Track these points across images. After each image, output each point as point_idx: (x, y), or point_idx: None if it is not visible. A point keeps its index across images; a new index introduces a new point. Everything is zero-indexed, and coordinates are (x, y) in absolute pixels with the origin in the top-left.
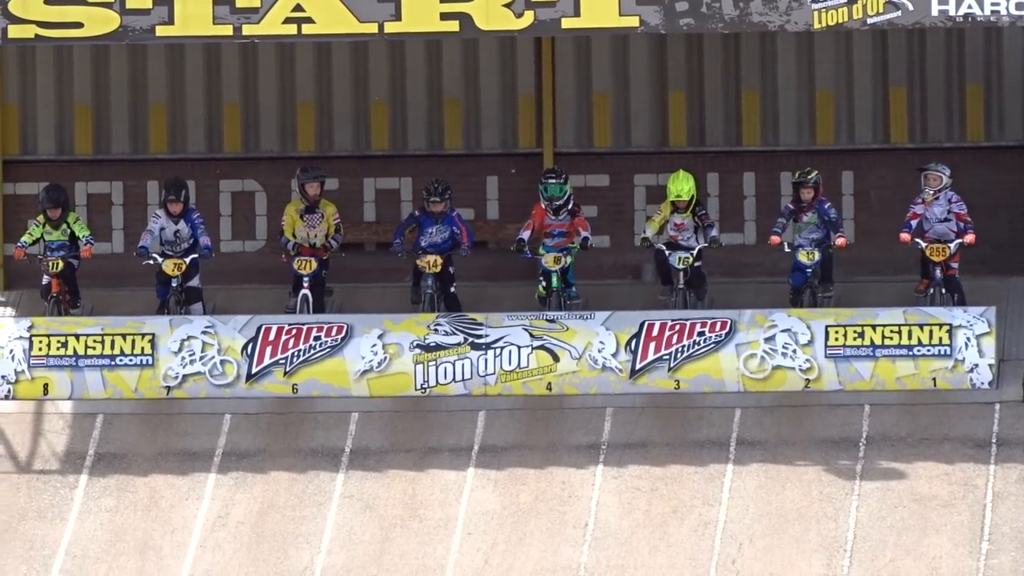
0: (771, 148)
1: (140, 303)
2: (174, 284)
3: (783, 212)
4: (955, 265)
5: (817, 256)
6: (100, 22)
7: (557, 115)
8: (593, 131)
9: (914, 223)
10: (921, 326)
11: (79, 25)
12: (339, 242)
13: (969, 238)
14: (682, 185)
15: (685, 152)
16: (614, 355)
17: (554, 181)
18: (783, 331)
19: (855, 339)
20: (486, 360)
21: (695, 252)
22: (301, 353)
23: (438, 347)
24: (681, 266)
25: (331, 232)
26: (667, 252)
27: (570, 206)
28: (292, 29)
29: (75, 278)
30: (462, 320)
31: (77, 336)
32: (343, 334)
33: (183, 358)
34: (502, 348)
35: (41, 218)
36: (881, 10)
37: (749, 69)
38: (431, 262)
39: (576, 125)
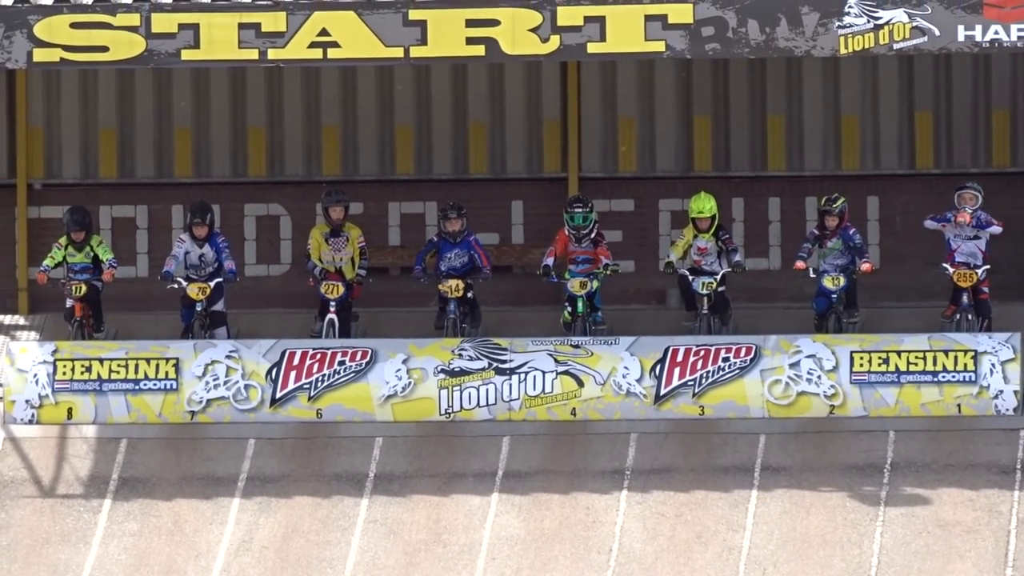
0: (796, 173)
1: (164, 327)
2: (199, 308)
3: (808, 237)
4: (986, 290)
5: (842, 282)
6: (125, 46)
7: (583, 140)
8: (618, 156)
9: (942, 221)
10: (946, 352)
11: (104, 49)
12: (366, 268)
13: (995, 229)
14: (703, 204)
15: (710, 177)
16: (639, 381)
17: (580, 210)
18: (808, 357)
19: (880, 365)
20: (510, 385)
21: (719, 277)
22: (325, 378)
23: (463, 372)
24: (704, 291)
25: (356, 256)
26: (690, 278)
27: (593, 235)
28: (318, 53)
29: (99, 302)
30: (486, 345)
31: (101, 360)
32: (367, 359)
33: (207, 383)
34: (527, 373)
35: (63, 240)
36: (907, 35)
37: (775, 94)
38: (453, 287)
39: (601, 150)
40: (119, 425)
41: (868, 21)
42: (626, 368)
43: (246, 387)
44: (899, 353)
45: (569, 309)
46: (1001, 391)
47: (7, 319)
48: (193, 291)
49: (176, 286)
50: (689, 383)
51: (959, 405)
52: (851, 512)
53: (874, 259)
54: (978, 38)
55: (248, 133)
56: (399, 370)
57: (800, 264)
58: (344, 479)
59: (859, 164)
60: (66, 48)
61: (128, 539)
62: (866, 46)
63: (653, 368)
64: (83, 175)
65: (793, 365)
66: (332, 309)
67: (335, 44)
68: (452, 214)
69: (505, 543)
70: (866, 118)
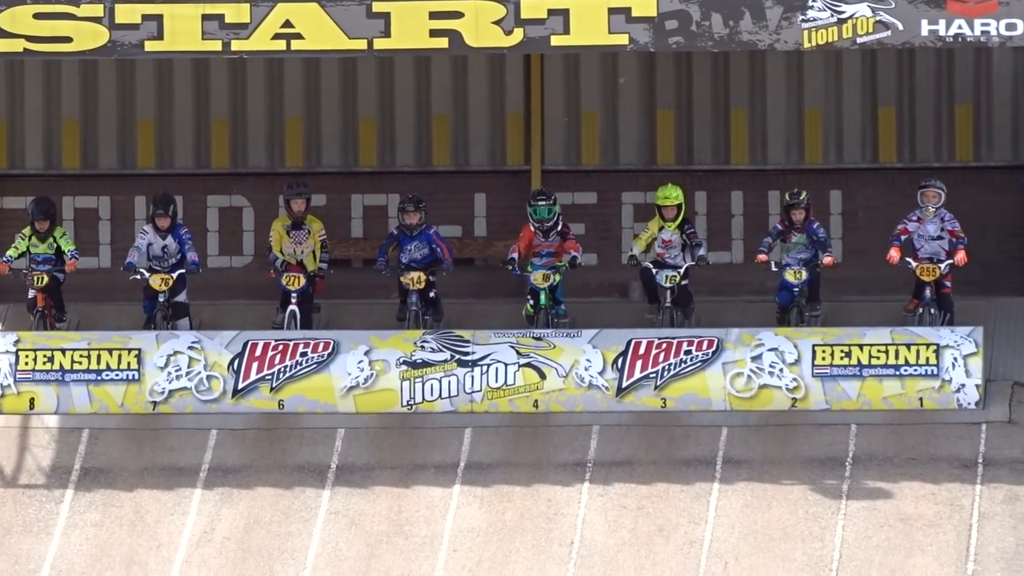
0: (759, 167)
1: (127, 318)
2: (161, 299)
3: (771, 231)
4: (949, 284)
5: (804, 275)
6: (89, 37)
7: (545, 133)
8: (581, 148)
9: (903, 237)
10: (908, 346)
11: (68, 40)
12: (327, 260)
13: (959, 256)
14: (670, 191)
15: (673, 170)
16: (601, 373)
17: (543, 203)
18: (770, 350)
19: (842, 358)
20: (473, 377)
21: (682, 271)
22: (287, 369)
23: (425, 364)
24: (668, 284)
25: (317, 248)
26: (654, 270)
27: (559, 228)
28: (281, 45)
29: (60, 292)
30: (449, 337)
31: (63, 351)
32: (329, 350)
33: (169, 373)
34: (489, 365)
35: (27, 231)
36: (871, 30)
37: (738, 88)
38: (415, 279)
39: (564, 143)
40: (81, 415)
41: (832, 15)
42: (588, 360)
43: (208, 378)
44: (861, 347)
45: (531, 302)
46: (963, 385)
47: None
48: (156, 282)
49: (139, 277)
50: (651, 376)
51: (921, 399)
52: (813, 505)
53: (836, 253)
54: (941, 32)
55: (211, 125)
56: (361, 362)
57: (762, 257)
58: (306, 470)
59: (822, 158)
60: (29, 39)
61: (90, 529)
62: (830, 40)
63: (615, 361)
64: (46, 166)
65: (755, 358)
66: (293, 300)
67: (299, 36)
68: (410, 207)
69: (467, 535)
70: (829, 112)
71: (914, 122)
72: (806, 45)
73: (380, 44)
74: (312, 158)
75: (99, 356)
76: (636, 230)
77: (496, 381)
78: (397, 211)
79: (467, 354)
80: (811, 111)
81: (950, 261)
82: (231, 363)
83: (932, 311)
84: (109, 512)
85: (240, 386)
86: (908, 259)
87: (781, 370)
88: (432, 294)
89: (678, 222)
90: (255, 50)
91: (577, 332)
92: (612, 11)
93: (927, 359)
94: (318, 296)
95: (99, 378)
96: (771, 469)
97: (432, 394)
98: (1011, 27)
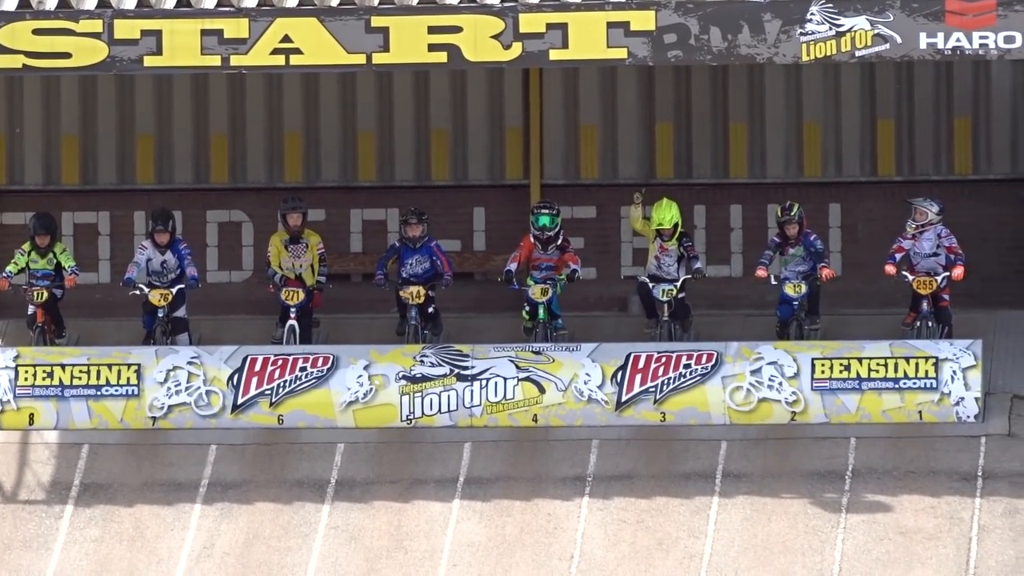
0: (758, 180)
1: (126, 333)
2: (160, 314)
3: (769, 245)
4: (946, 297)
5: (804, 289)
6: (88, 52)
7: (544, 147)
8: (580, 163)
9: (899, 256)
10: (907, 359)
11: (67, 55)
12: (326, 275)
13: (957, 272)
14: (664, 214)
15: (672, 184)
16: (600, 387)
17: (546, 212)
18: (769, 364)
19: (841, 372)
20: (472, 391)
21: (678, 284)
22: (287, 384)
23: (424, 378)
24: (665, 298)
25: (316, 262)
26: (651, 285)
27: (559, 241)
28: (280, 60)
29: (58, 308)
30: (448, 351)
31: (63, 366)
32: (329, 365)
33: (169, 388)
34: (488, 380)
35: (27, 246)
36: (869, 43)
37: (737, 101)
38: (414, 293)
39: (563, 157)
40: (81, 431)
41: (830, 28)
42: (588, 374)
43: (208, 393)
44: (860, 360)
45: (528, 311)
46: (962, 398)
47: None
48: (155, 297)
49: (138, 292)
50: (651, 390)
51: (920, 412)
52: (812, 519)
53: (836, 266)
54: (940, 45)
55: (210, 140)
56: (360, 376)
57: (761, 272)
58: (305, 485)
59: (821, 171)
60: (28, 54)
61: (90, 545)
62: (828, 53)
63: (615, 375)
64: (45, 181)
65: (754, 372)
66: (292, 315)
67: (297, 51)
68: (413, 219)
69: (466, 549)
70: (828, 125)
71: (913, 135)
72: (805, 58)
73: (379, 59)
74: (311, 173)
75: (98, 371)
76: (636, 244)
77: (495, 395)
78: (399, 223)
79: (466, 368)
80: (810, 124)
81: (947, 274)
82: (230, 378)
83: (930, 324)
84: (109, 527)
85: (240, 401)
86: (905, 272)
87: (780, 384)
88: (431, 309)
89: (676, 236)
90: (254, 65)
91: (576, 346)
92: (611, 25)
93: (926, 372)
94: (317, 310)
95: (99, 393)
96: (771, 483)
97: (431, 408)
98: (1009, 40)
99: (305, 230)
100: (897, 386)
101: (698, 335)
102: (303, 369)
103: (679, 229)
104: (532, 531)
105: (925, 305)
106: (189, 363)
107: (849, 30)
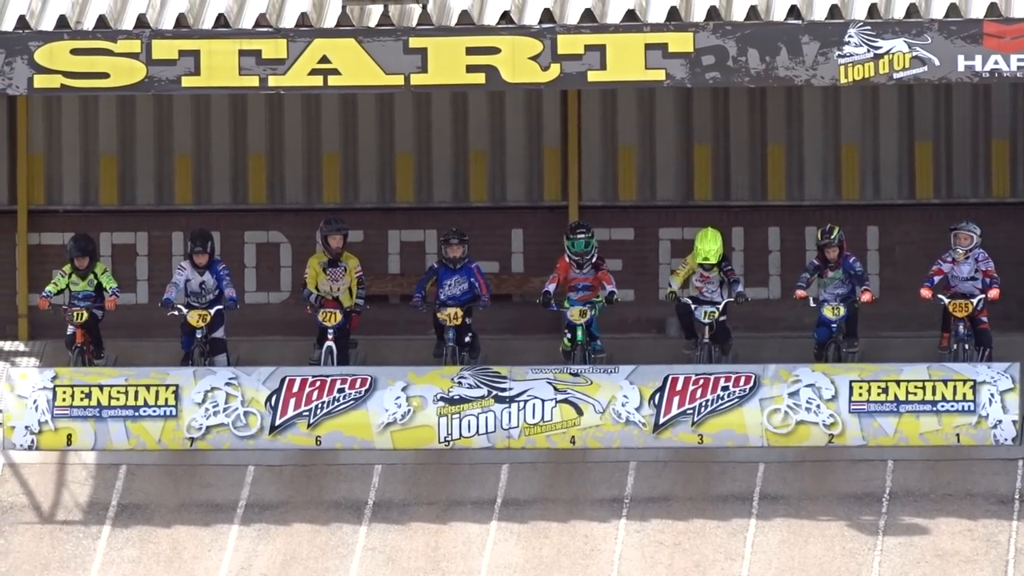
0: (796, 203)
1: (164, 354)
2: (199, 335)
3: (808, 267)
4: (985, 319)
5: (842, 311)
6: (126, 72)
7: (583, 168)
8: (618, 184)
9: (937, 279)
10: (945, 382)
11: (105, 75)
12: (364, 297)
13: (993, 293)
14: (710, 246)
15: (710, 206)
16: (638, 409)
17: (582, 236)
18: (807, 386)
19: (879, 394)
20: (510, 413)
21: (721, 307)
22: (325, 405)
23: (462, 400)
24: (707, 320)
25: (354, 285)
26: (693, 306)
27: (594, 260)
28: (318, 80)
29: (99, 329)
30: (486, 373)
31: (101, 387)
32: (367, 386)
33: (207, 409)
34: (526, 401)
35: (67, 268)
36: (907, 65)
37: (775, 123)
38: (451, 315)
39: (601, 178)
40: (118, 451)
41: (868, 51)
42: (625, 396)
43: (245, 414)
44: (898, 383)
45: (568, 337)
46: (1000, 421)
47: (7, 345)
48: (193, 318)
49: (176, 313)
50: (688, 412)
51: (958, 435)
52: (849, 541)
53: (874, 289)
54: (978, 68)
55: (248, 160)
56: (398, 398)
57: (800, 293)
58: (343, 506)
59: (859, 194)
60: (67, 74)
61: (127, 566)
62: (866, 75)
63: (652, 397)
64: (83, 202)
65: (792, 394)
66: (330, 336)
67: (335, 71)
68: (454, 240)
69: (504, 571)
70: (866, 147)
71: (951, 157)
72: (843, 80)
73: (417, 80)
74: (349, 194)
75: (136, 392)
76: (673, 266)
77: (533, 417)
78: (439, 244)
79: (504, 390)
80: (848, 146)
81: (982, 296)
82: (268, 399)
83: (967, 347)
84: (146, 548)
85: (277, 422)
86: (940, 295)
87: (818, 406)
88: (468, 337)
89: (718, 261)
90: (292, 86)
91: (614, 368)
92: (649, 47)
93: (964, 395)
94: (354, 332)
95: (136, 414)
96: (808, 505)
97: (469, 430)
98: None
99: (344, 253)
100: (935, 409)
101: (736, 357)
102: (341, 390)
103: (721, 258)
104: (569, 553)
105: (962, 328)
106: (227, 384)
107: (887, 52)
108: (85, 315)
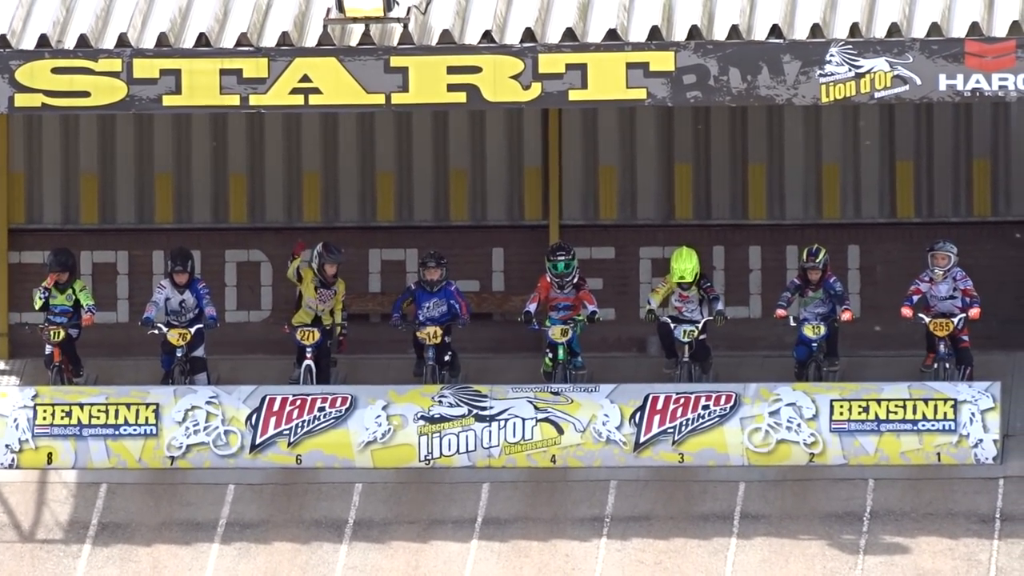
0: (777, 222)
1: (144, 373)
2: (179, 354)
3: (789, 286)
4: (966, 338)
5: (823, 330)
6: (107, 91)
7: (563, 187)
8: (599, 203)
9: (916, 298)
10: (926, 401)
11: (86, 94)
12: (346, 319)
13: (974, 312)
14: (685, 264)
15: (691, 225)
16: (618, 428)
17: (563, 258)
18: (788, 405)
19: (860, 413)
20: (490, 432)
21: (700, 325)
22: (305, 424)
23: (442, 419)
24: (686, 339)
25: (338, 308)
26: (672, 325)
27: (575, 280)
28: (299, 99)
29: (75, 348)
30: (466, 392)
31: (81, 405)
32: (347, 405)
33: (187, 428)
34: (506, 420)
35: (45, 283)
36: (889, 84)
37: (756, 142)
38: (431, 333)
39: (582, 197)
40: (99, 470)
41: (849, 70)
42: (606, 415)
43: (226, 433)
44: (879, 401)
45: (550, 355)
46: (980, 440)
47: None
48: (173, 337)
49: (156, 332)
50: (669, 431)
51: (939, 454)
52: (830, 560)
53: (855, 308)
54: (959, 87)
55: (229, 179)
56: (379, 416)
57: (781, 313)
58: (323, 525)
59: (840, 213)
60: (47, 93)
61: None
62: (847, 95)
63: (633, 415)
64: (64, 220)
65: (773, 413)
66: (308, 355)
67: (316, 90)
68: (431, 263)
69: None
70: (847, 167)
71: (932, 177)
72: (824, 100)
73: (398, 99)
74: (330, 213)
75: (117, 411)
76: (654, 284)
77: (514, 436)
78: (418, 267)
79: (485, 409)
80: (829, 166)
81: (963, 315)
82: (249, 418)
83: (947, 366)
84: (127, 567)
85: (258, 441)
86: (921, 314)
87: (799, 425)
88: (448, 356)
89: (695, 280)
90: (273, 104)
91: (595, 387)
92: (630, 66)
93: (945, 414)
94: (343, 355)
95: (117, 433)
96: (789, 524)
97: (450, 449)
98: None
99: (337, 279)
100: (915, 428)
101: (716, 376)
102: (321, 409)
103: (698, 276)
104: (550, 572)
105: (943, 347)
106: (207, 403)
107: (868, 71)
108: (62, 334)
